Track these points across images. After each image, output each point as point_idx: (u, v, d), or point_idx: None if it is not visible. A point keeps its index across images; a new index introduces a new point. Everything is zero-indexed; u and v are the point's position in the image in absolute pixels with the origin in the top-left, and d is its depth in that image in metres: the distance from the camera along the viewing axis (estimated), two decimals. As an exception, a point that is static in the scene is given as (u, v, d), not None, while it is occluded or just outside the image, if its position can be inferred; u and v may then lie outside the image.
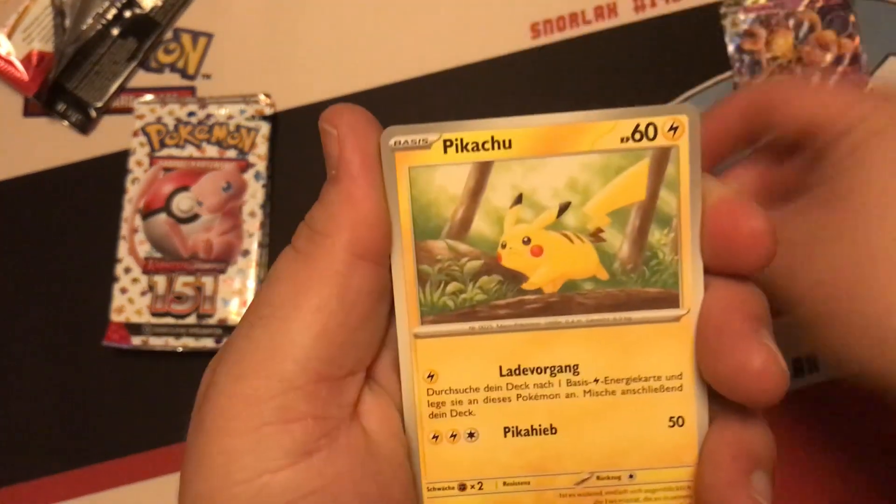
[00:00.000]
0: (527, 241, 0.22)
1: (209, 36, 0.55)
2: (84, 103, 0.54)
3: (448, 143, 0.22)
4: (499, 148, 0.22)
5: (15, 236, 0.53)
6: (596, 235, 0.22)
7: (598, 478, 0.23)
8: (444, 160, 0.22)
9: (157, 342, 0.49)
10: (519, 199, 0.22)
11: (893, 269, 0.29)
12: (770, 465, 0.22)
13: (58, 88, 0.54)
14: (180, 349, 0.49)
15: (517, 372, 0.23)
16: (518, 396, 0.23)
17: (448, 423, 0.23)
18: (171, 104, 0.53)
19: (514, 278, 0.23)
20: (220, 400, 0.21)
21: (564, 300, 0.23)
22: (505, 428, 0.23)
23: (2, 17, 0.55)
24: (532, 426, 0.23)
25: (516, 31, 0.53)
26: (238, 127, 0.52)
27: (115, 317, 0.50)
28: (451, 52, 0.53)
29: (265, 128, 0.52)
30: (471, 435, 0.23)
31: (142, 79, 0.55)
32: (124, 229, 0.51)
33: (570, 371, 0.23)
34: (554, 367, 0.23)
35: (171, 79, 0.55)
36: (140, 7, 0.55)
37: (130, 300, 0.50)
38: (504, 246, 0.22)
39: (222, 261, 0.50)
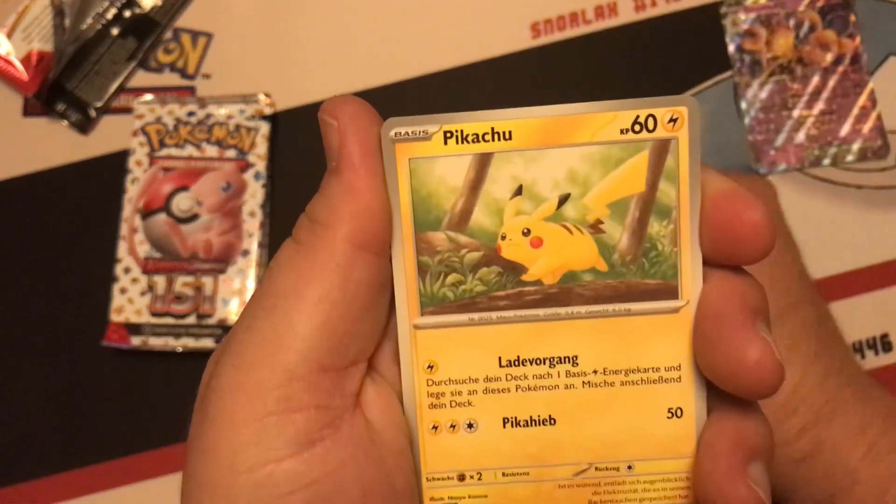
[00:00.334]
0: (526, 233, 0.22)
1: (209, 36, 0.55)
2: (84, 103, 0.54)
3: (448, 135, 0.22)
4: (499, 139, 0.22)
5: (14, 236, 0.53)
6: (595, 227, 0.22)
7: (596, 469, 0.23)
8: (445, 151, 0.22)
9: (156, 342, 0.49)
10: (519, 191, 0.22)
11: None
12: (767, 456, 0.22)
13: (57, 88, 0.54)
14: (180, 349, 0.49)
15: (516, 363, 0.23)
16: (517, 387, 0.23)
17: (447, 413, 0.23)
18: (171, 104, 0.53)
19: (514, 269, 0.23)
20: (223, 390, 0.21)
21: (564, 291, 0.23)
22: (504, 419, 0.23)
23: (1, 16, 0.55)
24: (531, 417, 0.23)
25: (516, 30, 0.53)
26: (238, 127, 0.52)
27: (115, 317, 0.50)
28: (451, 52, 0.53)
29: (265, 127, 0.52)
30: (470, 426, 0.23)
31: (141, 79, 0.55)
32: (124, 229, 0.51)
33: (569, 362, 0.23)
34: (553, 358, 0.23)
35: (170, 79, 0.55)
36: (140, 7, 0.55)
37: (130, 300, 0.50)
38: (504, 237, 0.22)
39: (222, 261, 0.50)
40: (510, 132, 0.22)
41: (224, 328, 0.49)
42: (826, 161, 0.50)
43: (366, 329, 0.22)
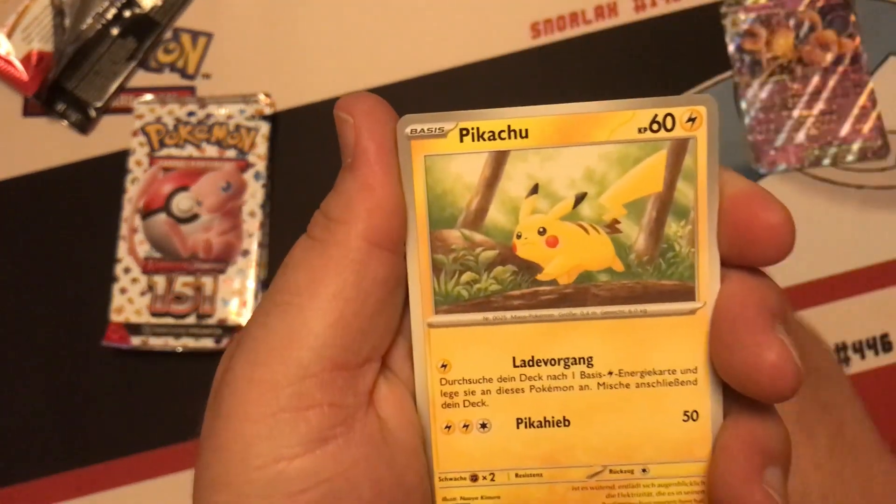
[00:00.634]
0: (542, 232, 0.22)
1: (209, 35, 0.55)
2: (84, 103, 0.54)
3: (464, 132, 0.22)
4: (515, 137, 0.22)
5: (14, 236, 0.53)
6: (612, 227, 0.22)
7: (610, 471, 0.23)
8: (461, 149, 0.22)
9: (156, 342, 0.49)
10: (535, 189, 0.22)
11: None
12: (784, 461, 0.22)
13: (57, 88, 0.54)
14: (180, 349, 0.49)
15: (531, 363, 0.23)
16: (531, 388, 0.23)
17: (461, 413, 0.23)
18: (171, 104, 0.53)
19: (529, 269, 0.22)
20: (236, 385, 0.21)
21: (579, 292, 0.22)
22: (518, 419, 0.23)
23: (1, 16, 0.55)
24: (545, 418, 0.23)
25: (516, 30, 0.53)
26: (238, 127, 0.52)
27: (115, 317, 0.50)
28: (451, 52, 0.53)
29: (265, 127, 0.52)
30: (483, 426, 0.23)
31: (141, 78, 0.55)
32: (124, 229, 0.51)
33: (584, 363, 0.23)
34: (568, 358, 0.23)
35: (170, 78, 0.55)
36: (140, 7, 0.55)
37: (130, 300, 0.50)
38: (519, 236, 0.22)
39: (222, 261, 0.50)
40: (527, 130, 0.22)
41: (224, 328, 0.49)
42: (826, 161, 0.50)
43: (380, 327, 0.22)
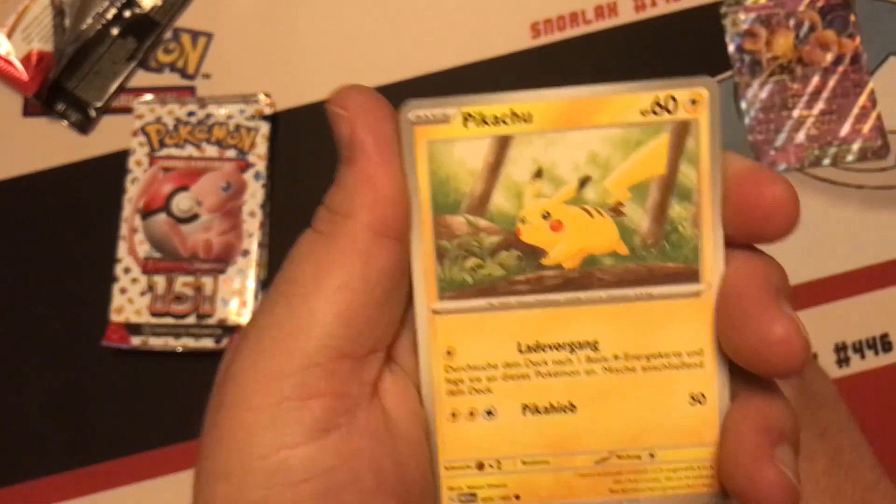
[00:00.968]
0: (546, 216, 0.22)
1: (209, 35, 0.55)
2: (84, 103, 0.54)
3: (467, 117, 0.22)
4: (518, 122, 0.22)
5: (14, 236, 0.53)
6: (616, 210, 0.22)
7: (618, 457, 0.23)
8: (464, 134, 0.22)
9: (156, 342, 0.49)
10: (539, 174, 0.22)
11: None
12: (794, 440, 0.22)
13: (57, 88, 0.54)
14: (180, 349, 0.49)
15: (536, 349, 0.23)
16: (537, 374, 0.23)
17: (466, 400, 0.23)
18: (171, 104, 0.53)
19: (534, 253, 0.22)
20: (240, 375, 0.21)
21: (584, 276, 0.22)
22: (523, 406, 0.23)
23: (1, 16, 0.55)
24: (551, 404, 0.23)
25: (516, 30, 0.53)
26: (238, 127, 0.52)
27: (115, 317, 0.50)
28: (451, 52, 0.53)
29: (265, 127, 0.52)
30: (489, 413, 0.23)
31: (141, 78, 0.55)
32: (124, 229, 0.51)
33: (589, 348, 0.22)
34: (573, 343, 0.22)
35: (170, 78, 0.55)
36: (140, 7, 0.55)
37: (130, 300, 0.50)
38: (523, 221, 0.22)
39: (222, 261, 0.50)
40: (530, 114, 0.22)
41: (224, 328, 0.49)
42: (826, 161, 0.50)
43: (385, 317, 0.22)
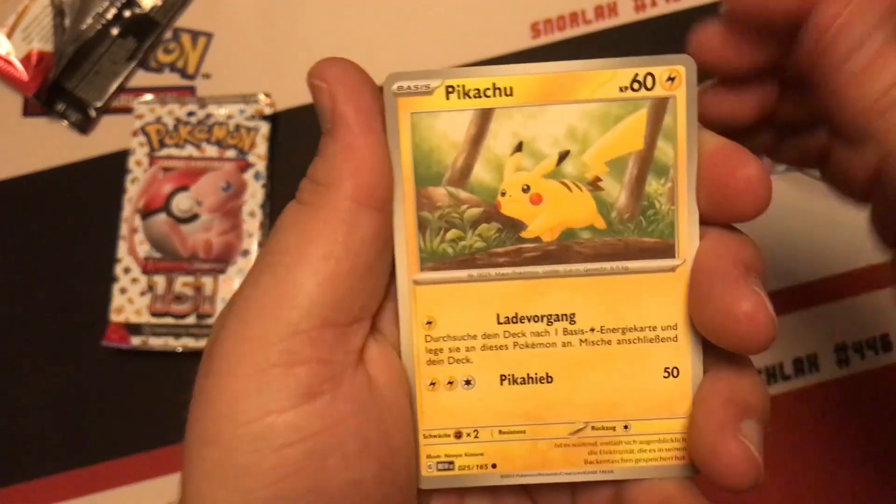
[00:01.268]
0: (526, 189, 0.22)
1: (209, 36, 0.55)
2: (84, 103, 0.54)
3: (450, 90, 0.22)
4: (500, 95, 0.22)
5: (14, 236, 0.53)
6: (594, 184, 0.22)
7: (592, 428, 0.23)
8: (446, 106, 0.22)
9: (156, 342, 0.49)
10: (519, 147, 0.22)
11: None
12: (763, 416, 0.22)
13: (57, 88, 0.54)
14: (180, 349, 0.49)
15: (514, 320, 0.23)
16: (515, 344, 0.23)
17: (445, 370, 0.23)
18: (171, 104, 0.53)
19: (513, 226, 0.23)
20: (227, 343, 0.21)
21: (562, 249, 0.23)
22: (501, 376, 0.23)
23: (1, 16, 0.55)
24: (528, 374, 0.23)
25: (516, 30, 0.53)
26: (238, 127, 0.52)
27: (115, 317, 0.50)
28: (451, 52, 0.53)
29: (265, 127, 0.52)
30: (467, 382, 0.23)
31: (141, 78, 0.55)
32: (124, 229, 0.51)
33: (566, 320, 0.23)
34: (551, 315, 0.23)
35: (170, 78, 0.55)
36: (140, 7, 0.55)
37: (130, 300, 0.50)
38: (504, 194, 0.22)
39: (222, 261, 0.50)
40: (511, 88, 0.22)
41: (224, 328, 0.49)
42: (826, 161, 0.50)
43: (369, 286, 0.22)
